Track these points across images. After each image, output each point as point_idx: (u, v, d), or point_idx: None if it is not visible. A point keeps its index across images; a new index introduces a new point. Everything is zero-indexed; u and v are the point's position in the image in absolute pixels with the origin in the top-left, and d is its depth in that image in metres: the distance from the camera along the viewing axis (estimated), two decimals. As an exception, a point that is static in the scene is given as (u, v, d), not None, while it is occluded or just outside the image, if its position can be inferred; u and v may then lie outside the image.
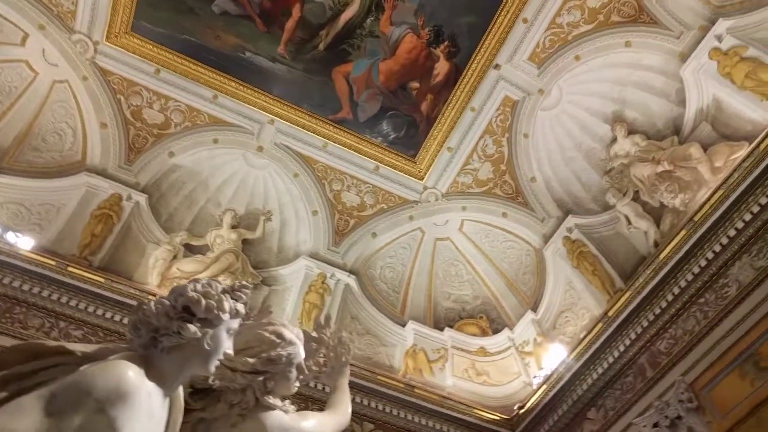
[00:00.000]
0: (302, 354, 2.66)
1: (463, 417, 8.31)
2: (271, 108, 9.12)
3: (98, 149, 8.72)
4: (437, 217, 10.11)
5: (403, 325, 9.60)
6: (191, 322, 2.09)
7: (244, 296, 2.28)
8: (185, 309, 2.10)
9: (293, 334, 2.65)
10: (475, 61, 8.87)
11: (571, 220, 9.00)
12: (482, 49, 8.76)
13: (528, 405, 8.40)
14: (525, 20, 8.51)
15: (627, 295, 7.50)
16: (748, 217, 6.43)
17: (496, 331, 9.81)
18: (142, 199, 8.76)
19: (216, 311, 2.12)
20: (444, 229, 10.23)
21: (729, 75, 7.38)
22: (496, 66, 8.86)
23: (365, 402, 7.97)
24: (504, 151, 9.59)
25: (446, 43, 8.84)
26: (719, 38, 7.43)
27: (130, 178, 8.80)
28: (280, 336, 2.57)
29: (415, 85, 9.27)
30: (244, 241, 9.48)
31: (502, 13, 8.49)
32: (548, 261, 9.28)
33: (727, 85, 7.41)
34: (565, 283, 9.03)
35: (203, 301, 2.11)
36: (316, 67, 8.98)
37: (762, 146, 6.41)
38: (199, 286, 2.17)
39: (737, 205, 6.51)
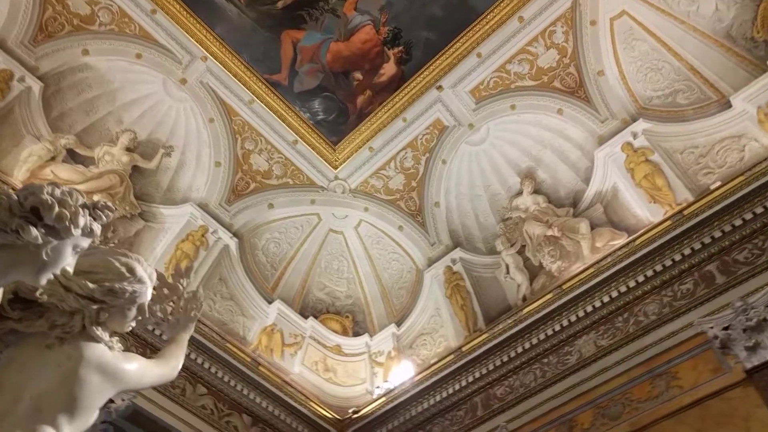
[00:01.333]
0: (148, 295, 2.52)
1: (297, 406, 8.31)
2: (208, 45, 8.67)
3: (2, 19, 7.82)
4: (338, 209, 10.10)
5: (270, 302, 9.47)
6: (35, 226, 1.91)
7: (104, 217, 2.12)
8: (33, 210, 1.92)
9: (146, 272, 2.51)
10: (422, 76, 9.00)
11: (458, 253, 9.34)
12: (432, 67, 8.91)
13: (362, 412, 8.57)
14: (479, 55, 8.77)
15: (484, 336, 7.89)
16: (606, 299, 7.02)
17: (356, 334, 9.94)
18: (36, 86, 7.96)
19: (67, 223, 1.95)
20: (341, 223, 10.24)
21: (632, 170, 8.01)
22: (439, 87, 9.04)
23: (206, 365, 7.74)
24: (420, 169, 9.78)
25: (401, 48, 8.90)
26: (635, 135, 8.06)
27: (29, 59, 7.97)
28: (131, 270, 2.42)
29: (359, 76, 9.23)
30: (135, 168, 8.91)
31: (461, 40, 8.70)
32: (426, 283, 9.56)
33: (627, 179, 8.04)
34: (433, 309, 9.34)
35: (56, 208, 1.93)
36: (268, 22, 8.67)
37: (638, 241, 7.02)
38: (57, 192, 1.99)
39: (601, 286, 7.08)
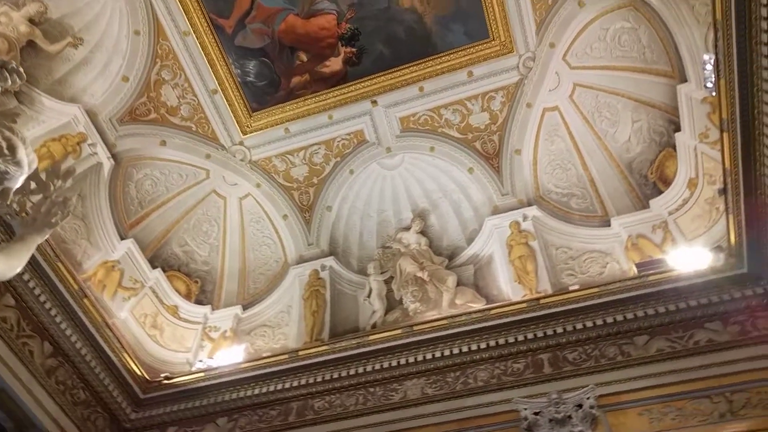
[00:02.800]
0: (19, 182, 2.23)
1: (108, 352, 7.70)
2: (167, -43, 8.08)
3: None
4: (231, 175, 9.71)
5: (122, 239, 8.81)
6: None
7: (10, 80, 1.86)
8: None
9: (27, 158, 2.22)
10: (363, 84, 9.04)
11: (330, 261, 9.34)
12: (376, 80, 8.99)
13: (174, 380, 8.16)
14: (421, 89, 9.01)
15: (324, 348, 7.90)
16: (447, 352, 7.33)
17: (199, 302, 9.51)
18: None
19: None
20: (228, 189, 9.84)
21: (510, 247, 8.56)
22: (374, 102, 9.13)
23: (25, 276, 6.97)
24: (326, 169, 9.73)
25: (354, 49, 8.88)
26: (525, 218, 8.65)
27: None
28: (12, 148, 2.13)
29: (303, 57, 9.07)
30: (30, 43, 7.98)
31: (411, 68, 8.89)
32: (288, 278, 9.43)
33: (504, 253, 8.56)
34: (285, 305, 9.21)
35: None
36: (237, -36, 8.30)
37: (492, 311, 7.46)
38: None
39: (447, 339, 7.40)
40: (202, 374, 8.12)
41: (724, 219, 6.60)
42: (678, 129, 7.92)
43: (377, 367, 7.44)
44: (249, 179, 9.75)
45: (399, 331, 7.65)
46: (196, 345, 8.99)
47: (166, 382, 8.14)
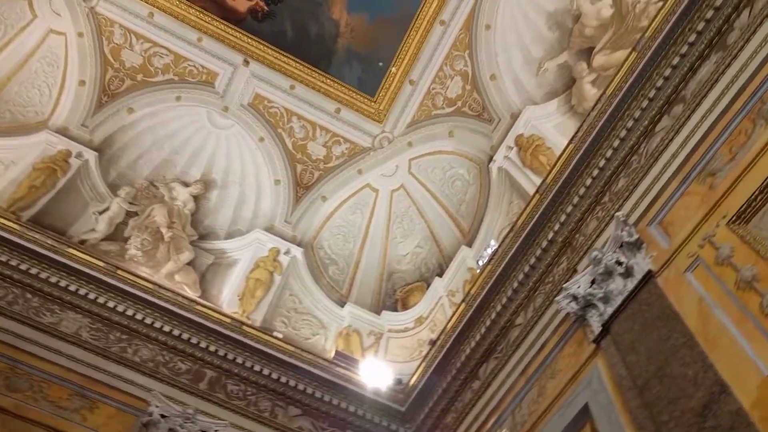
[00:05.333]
0: None
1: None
2: None
3: None
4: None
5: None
6: None
7: None
8: None
9: None
10: (249, 40, 8.72)
11: (88, 153, 8.37)
12: (261, 46, 8.75)
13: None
14: (292, 87, 8.97)
15: (12, 224, 6.89)
16: (113, 305, 6.89)
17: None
18: None
19: None
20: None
21: (257, 266, 8.59)
22: (246, 62, 8.80)
23: None
24: (157, 78, 8.91)
25: (266, 8, 8.56)
26: (287, 252, 8.86)
27: None
28: None
29: None
30: None
31: (298, 65, 8.83)
32: (33, 137, 8.19)
33: (247, 267, 8.57)
34: (9, 160, 7.96)
35: None
36: None
37: (197, 306, 7.28)
38: None
39: (132, 298, 6.98)
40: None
41: (418, 363, 7.45)
42: (441, 275, 8.92)
43: (53, 279, 6.68)
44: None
45: (102, 264, 7.03)
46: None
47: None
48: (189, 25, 8.59)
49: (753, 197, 3.78)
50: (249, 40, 8.70)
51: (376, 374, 7.78)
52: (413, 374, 7.40)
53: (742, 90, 4.39)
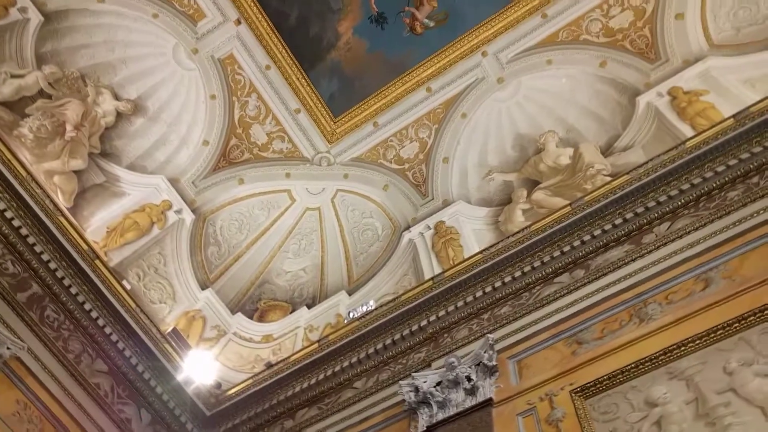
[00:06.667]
0: None
1: None
2: None
3: None
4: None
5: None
6: None
7: None
8: None
9: None
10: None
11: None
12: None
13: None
14: (267, 67, 8.79)
15: None
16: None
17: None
18: None
19: None
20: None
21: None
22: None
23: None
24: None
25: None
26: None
27: None
28: None
29: None
30: None
31: (285, 53, 8.73)
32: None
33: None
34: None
35: None
36: None
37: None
38: None
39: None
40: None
41: (245, 377, 7.27)
42: (310, 306, 8.90)
43: None
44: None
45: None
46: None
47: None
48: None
49: (601, 379, 4.12)
50: (252, 3, 8.51)
51: (200, 369, 7.45)
52: (236, 385, 7.17)
53: (635, 285, 4.85)
